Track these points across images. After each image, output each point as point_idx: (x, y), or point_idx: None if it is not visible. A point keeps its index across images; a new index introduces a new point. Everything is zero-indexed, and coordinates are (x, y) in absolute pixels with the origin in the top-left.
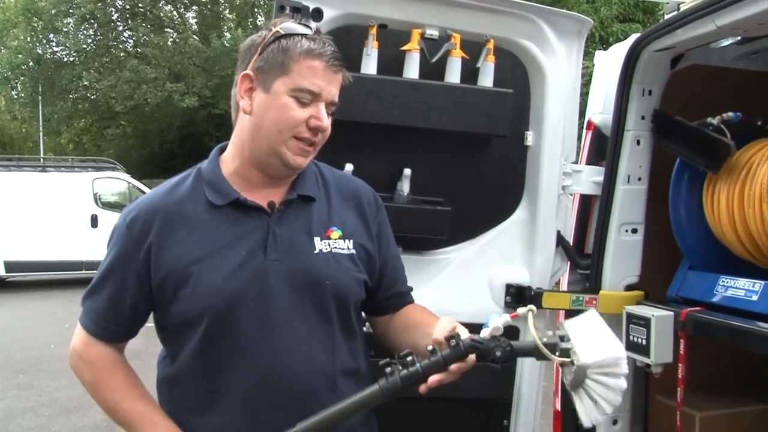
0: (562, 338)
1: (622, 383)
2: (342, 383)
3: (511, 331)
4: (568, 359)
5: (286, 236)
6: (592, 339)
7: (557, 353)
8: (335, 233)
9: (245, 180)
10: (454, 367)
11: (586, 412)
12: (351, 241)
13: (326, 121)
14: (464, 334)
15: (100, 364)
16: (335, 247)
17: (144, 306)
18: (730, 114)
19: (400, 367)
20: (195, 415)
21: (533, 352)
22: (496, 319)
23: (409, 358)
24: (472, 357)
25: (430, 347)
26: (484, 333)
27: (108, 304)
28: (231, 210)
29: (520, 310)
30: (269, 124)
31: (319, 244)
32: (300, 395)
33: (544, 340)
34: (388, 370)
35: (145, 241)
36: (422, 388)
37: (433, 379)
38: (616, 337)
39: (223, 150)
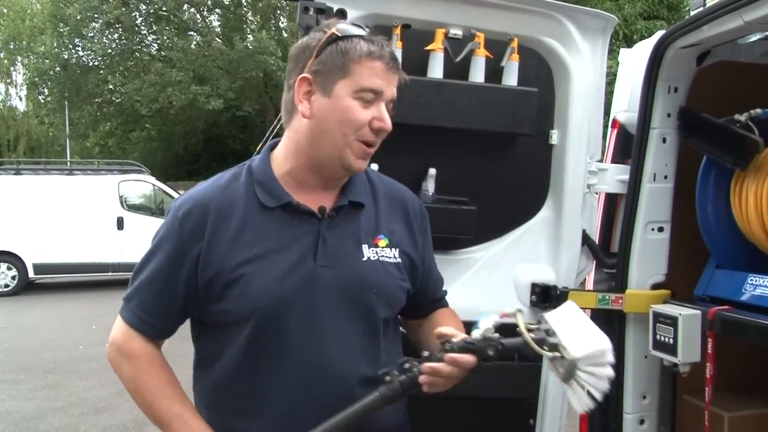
0: (548, 332)
1: (610, 372)
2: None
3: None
4: (558, 354)
5: (336, 242)
6: (577, 332)
7: (546, 348)
8: (383, 241)
9: (298, 182)
10: (444, 366)
11: (578, 400)
12: (397, 249)
13: (389, 122)
14: (458, 336)
15: (140, 359)
16: (382, 256)
17: (191, 303)
18: (758, 110)
19: (398, 373)
20: (237, 417)
21: (523, 348)
22: (485, 321)
23: (407, 365)
24: (467, 358)
25: (425, 353)
26: (475, 334)
27: (157, 300)
28: (282, 212)
29: (508, 310)
30: (333, 128)
31: (367, 252)
32: (342, 401)
33: (533, 336)
34: (387, 378)
35: (198, 236)
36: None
37: (428, 372)
38: (596, 327)
39: (273, 148)
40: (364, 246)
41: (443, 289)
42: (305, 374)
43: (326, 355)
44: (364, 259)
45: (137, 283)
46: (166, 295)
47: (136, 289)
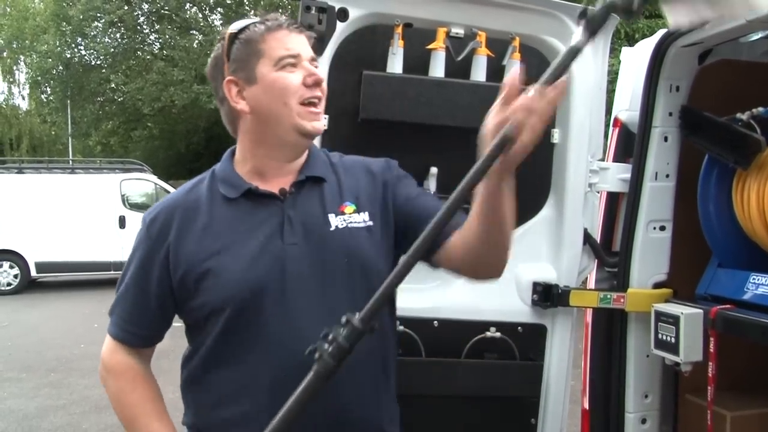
0: None
1: None
2: (369, 362)
3: (538, 331)
4: None
5: (301, 218)
6: None
7: None
8: (349, 208)
9: (260, 175)
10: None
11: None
12: (366, 213)
13: (320, 73)
14: None
15: (123, 375)
16: (351, 222)
17: (169, 306)
18: (760, 109)
19: (326, 347)
20: (221, 407)
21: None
22: None
23: (330, 335)
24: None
25: (344, 318)
26: None
27: (134, 307)
28: (245, 201)
29: None
30: (274, 104)
31: (335, 221)
32: None
33: None
34: (316, 355)
35: (165, 240)
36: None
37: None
38: None
39: (233, 153)
40: (330, 215)
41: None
42: (284, 357)
43: (304, 335)
44: (332, 228)
45: (117, 294)
46: (143, 301)
47: (116, 301)
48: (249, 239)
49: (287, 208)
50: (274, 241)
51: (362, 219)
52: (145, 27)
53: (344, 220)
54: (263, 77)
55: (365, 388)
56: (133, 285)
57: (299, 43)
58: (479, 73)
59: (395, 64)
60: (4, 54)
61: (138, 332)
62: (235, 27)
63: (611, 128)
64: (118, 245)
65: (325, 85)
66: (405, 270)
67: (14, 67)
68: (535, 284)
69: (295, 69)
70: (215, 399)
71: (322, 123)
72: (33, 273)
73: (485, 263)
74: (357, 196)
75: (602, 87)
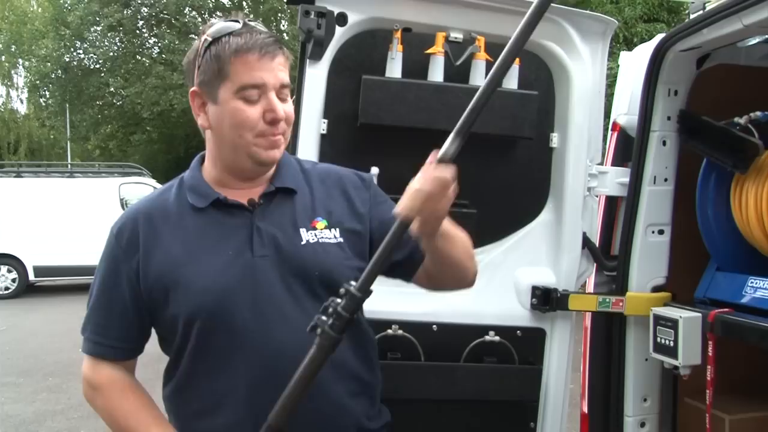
0: None
1: None
2: (345, 370)
3: (537, 335)
4: None
5: (271, 230)
6: None
7: None
8: (320, 223)
9: (225, 186)
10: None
11: None
12: (337, 230)
13: (281, 110)
14: None
15: (110, 388)
16: (322, 237)
17: (143, 316)
18: (758, 113)
19: (324, 318)
20: (201, 419)
21: None
22: None
23: (330, 309)
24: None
25: (342, 289)
26: None
27: (108, 319)
28: (214, 211)
29: None
30: (229, 132)
31: (306, 235)
32: None
33: None
34: (318, 330)
35: (134, 248)
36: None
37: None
38: None
39: (204, 159)
40: (301, 230)
41: None
42: (259, 367)
43: (278, 345)
44: (303, 242)
45: (88, 310)
46: (115, 312)
47: (87, 318)
48: (217, 250)
49: (256, 219)
50: (244, 253)
51: (333, 235)
52: (144, 31)
53: (315, 235)
54: (224, 102)
55: (340, 389)
56: (103, 298)
57: (268, 70)
58: (478, 77)
59: (394, 69)
60: (3, 58)
61: (115, 345)
62: (212, 33)
63: (610, 132)
64: None
65: (291, 114)
66: (399, 232)
67: (13, 71)
68: (534, 288)
69: (256, 103)
70: (196, 410)
71: (280, 150)
72: (31, 277)
73: (454, 283)
74: (329, 212)
75: (601, 91)
